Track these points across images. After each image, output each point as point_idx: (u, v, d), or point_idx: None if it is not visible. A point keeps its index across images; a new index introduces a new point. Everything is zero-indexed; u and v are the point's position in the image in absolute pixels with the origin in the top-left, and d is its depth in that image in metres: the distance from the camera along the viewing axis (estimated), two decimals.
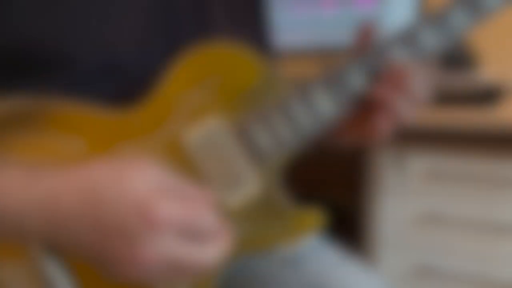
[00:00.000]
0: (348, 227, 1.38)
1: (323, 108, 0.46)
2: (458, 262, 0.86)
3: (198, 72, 0.45)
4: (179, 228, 0.33)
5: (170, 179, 0.36)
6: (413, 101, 0.45)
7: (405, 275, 0.91)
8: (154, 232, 0.31)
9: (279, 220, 0.47)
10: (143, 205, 0.32)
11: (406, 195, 0.87)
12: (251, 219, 0.46)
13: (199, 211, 0.34)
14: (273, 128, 0.45)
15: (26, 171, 0.34)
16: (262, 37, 0.62)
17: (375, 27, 0.47)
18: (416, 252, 0.89)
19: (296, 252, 0.49)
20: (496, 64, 1.16)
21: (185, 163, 0.44)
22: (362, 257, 1.12)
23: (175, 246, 0.33)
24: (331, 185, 1.49)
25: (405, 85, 0.44)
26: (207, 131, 0.44)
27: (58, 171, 0.34)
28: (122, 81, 0.45)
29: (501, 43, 1.22)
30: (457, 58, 0.95)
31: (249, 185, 0.45)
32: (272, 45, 0.67)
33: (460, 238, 0.85)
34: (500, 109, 0.87)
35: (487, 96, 0.85)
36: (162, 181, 0.35)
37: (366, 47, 0.46)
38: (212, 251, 0.34)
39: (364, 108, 0.46)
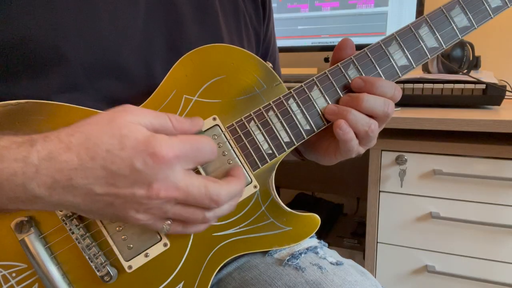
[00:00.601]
0: (348, 227, 1.38)
1: (322, 107, 0.46)
2: (458, 262, 0.86)
3: (198, 72, 0.45)
4: (185, 159, 0.35)
5: (161, 119, 0.37)
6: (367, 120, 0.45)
7: (404, 275, 0.91)
8: (165, 168, 0.33)
9: (277, 220, 0.47)
10: (147, 147, 0.33)
11: (406, 195, 0.87)
12: (249, 220, 0.46)
13: (196, 141, 0.36)
14: (272, 128, 0.45)
15: (19, 138, 0.34)
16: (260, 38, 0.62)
17: (350, 44, 0.47)
18: (416, 252, 0.89)
19: (295, 252, 0.49)
20: (496, 65, 1.16)
21: None
22: (362, 257, 1.12)
23: (185, 178, 0.35)
24: (331, 185, 1.48)
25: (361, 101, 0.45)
26: (207, 131, 0.44)
27: (49, 133, 0.34)
28: (121, 81, 0.45)
29: (501, 43, 1.22)
30: (457, 58, 0.95)
31: (248, 185, 0.45)
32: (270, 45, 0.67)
33: (460, 238, 0.85)
34: (500, 109, 0.87)
35: (487, 96, 0.85)
36: (154, 122, 0.36)
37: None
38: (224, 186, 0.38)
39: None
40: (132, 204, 0.35)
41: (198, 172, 0.43)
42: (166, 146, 0.34)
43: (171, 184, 0.34)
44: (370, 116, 0.45)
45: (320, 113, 0.46)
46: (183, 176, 0.35)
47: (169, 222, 0.38)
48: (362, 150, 0.48)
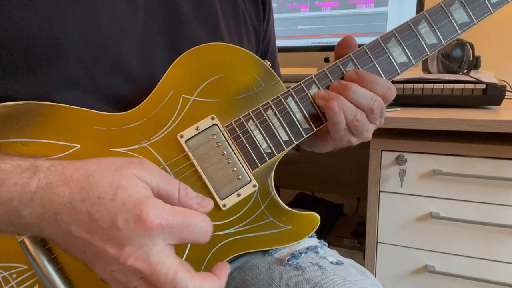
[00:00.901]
0: (348, 227, 1.38)
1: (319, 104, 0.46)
2: (458, 262, 0.86)
3: (196, 71, 0.45)
4: (170, 232, 0.32)
5: (170, 186, 0.35)
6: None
7: (404, 275, 0.91)
8: (145, 234, 0.31)
9: (276, 219, 0.47)
10: (135, 206, 0.31)
11: (406, 195, 0.87)
12: (249, 219, 0.46)
13: (189, 217, 0.33)
14: (271, 126, 0.45)
15: (24, 163, 0.33)
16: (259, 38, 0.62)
17: (352, 42, 0.47)
18: (416, 252, 0.89)
19: (295, 252, 0.49)
20: (496, 65, 1.16)
21: (184, 162, 0.44)
22: (362, 257, 1.12)
23: (160, 254, 0.31)
24: (331, 185, 1.48)
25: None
26: (205, 130, 0.44)
27: (56, 163, 0.34)
28: (121, 78, 0.45)
29: (501, 43, 1.22)
30: (457, 58, 0.95)
31: (247, 184, 0.45)
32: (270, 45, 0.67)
33: (460, 238, 0.84)
34: (500, 109, 0.87)
35: (487, 96, 0.84)
36: (161, 186, 0.34)
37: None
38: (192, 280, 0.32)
39: None
40: (100, 260, 0.32)
41: (197, 173, 0.44)
42: (154, 212, 0.31)
43: (143, 255, 0.31)
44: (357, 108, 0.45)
45: (319, 111, 0.46)
46: (160, 250, 0.32)
47: None
48: (354, 141, 0.49)
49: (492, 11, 0.47)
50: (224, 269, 0.37)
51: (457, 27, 0.47)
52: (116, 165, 0.33)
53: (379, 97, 0.45)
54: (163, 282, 0.31)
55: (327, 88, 0.47)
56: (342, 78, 0.47)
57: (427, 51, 0.47)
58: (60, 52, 0.40)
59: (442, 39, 0.47)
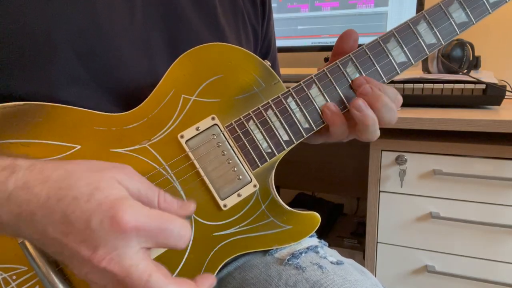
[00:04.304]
0: (348, 227, 1.38)
1: (321, 105, 0.46)
2: (458, 262, 0.86)
3: (197, 71, 0.45)
4: (146, 236, 0.31)
5: (150, 191, 0.34)
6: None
7: (404, 275, 0.91)
8: (119, 236, 0.30)
9: (277, 218, 0.47)
10: (110, 208, 0.30)
11: (406, 195, 0.87)
12: (249, 219, 0.46)
13: (167, 221, 0.32)
14: (271, 126, 0.45)
15: (3, 162, 0.33)
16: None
17: (354, 36, 0.47)
18: (416, 252, 0.89)
19: (295, 252, 0.49)
20: (496, 65, 1.16)
21: (184, 163, 0.44)
22: (362, 257, 1.12)
23: (134, 257, 0.31)
24: (331, 185, 1.48)
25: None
26: (206, 130, 0.44)
27: (35, 162, 0.33)
28: (122, 74, 0.44)
29: (501, 43, 1.22)
30: (457, 58, 0.95)
31: (247, 184, 0.45)
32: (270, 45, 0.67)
33: (460, 238, 0.84)
34: (500, 109, 0.87)
35: (487, 96, 0.85)
36: (142, 191, 0.34)
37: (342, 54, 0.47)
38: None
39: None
40: (75, 261, 0.32)
41: (197, 173, 0.44)
42: (130, 213, 0.30)
43: (116, 257, 0.30)
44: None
45: (319, 111, 0.46)
46: (134, 254, 0.31)
47: None
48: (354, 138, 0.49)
49: (490, 11, 0.47)
50: (207, 280, 0.36)
51: (456, 27, 0.47)
52: (97, 167, 0.33)
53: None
54: (136, 286, 0.31)
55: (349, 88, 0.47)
56: (345, 80, 0.46)
57: (426, 50, 0.47)
58: (55, 47, 0.40)
59: (441, 38, 0.47)
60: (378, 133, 0.46)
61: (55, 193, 0.31)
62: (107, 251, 0.30)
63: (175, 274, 0.43)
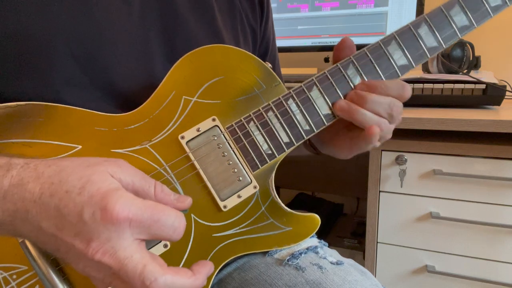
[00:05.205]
0: (348, 227, 1.38)
1: (321, 107, 0.46)
2: (458, 262, 0.86)
3: (197, 72, 0.45)
4: (138, 227, 0.31)
5: (145, 182, 0.34)
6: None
7: (404, 275, 0.91)
8: (112, 228, 0.30)
9: (277, 220, 0.47)
10: (102, 199, 0.30)
11: (406, 195, 0.87)
12: (249, 220, 0.46)
13: (160, 211, 0.32)
14: (271, 128, 0.45)
15: (1, 160, 0.33)
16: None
17: (348, 43, 0.47)
18: (416, 252, 0.89)
19: (295, 252, 0.49)
20: (496, 65, 1.16)
21: (184, 164, 0.44)
22: (362, 257, 1.12)
23: (128, 248, 0.30)
24: (331, 185, 1.48)
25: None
26: (207, 132, 0.44)
27: (30, 160, 0.33)
28: (120, 76, 0.45)
29: (501, 43, 1.22)
30: (457, 58, 0.95)
31: (248, 186, 0.45)
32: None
33: (460, 238, 0.85)
34: (500, 109, 0.87)
35: (487, 96, 0.85)
36: (136, 183, 0.34)
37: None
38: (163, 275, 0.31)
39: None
40: (72, 256, 0.32)
41: (197, 174, 0.44)
42: (122, 204, 0.30)
43: (110, 249, 0.30)
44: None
45: (320, 113, 0.46)
46: (128, 245, 0.30)
47: None
48: (377, 144, 0.49)
49: (492, 15, 0.47)
50: (204, 267, 0.36)
51: (457, 31, 0.47)
52: (90, 162, 0.33)
53: (396, 100, 0.46)
54: (131, 277, 0.30)
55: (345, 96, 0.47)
56: (345, 82, 0.47)
57: (428, 54, 0.47)
58: (53, 50, 0.40)
59: (442, 42, 0.47)
60: (379, 137, 0.46)
61: (47, 188, 0.31)
62: (100, 243, 0.30)
63: None
